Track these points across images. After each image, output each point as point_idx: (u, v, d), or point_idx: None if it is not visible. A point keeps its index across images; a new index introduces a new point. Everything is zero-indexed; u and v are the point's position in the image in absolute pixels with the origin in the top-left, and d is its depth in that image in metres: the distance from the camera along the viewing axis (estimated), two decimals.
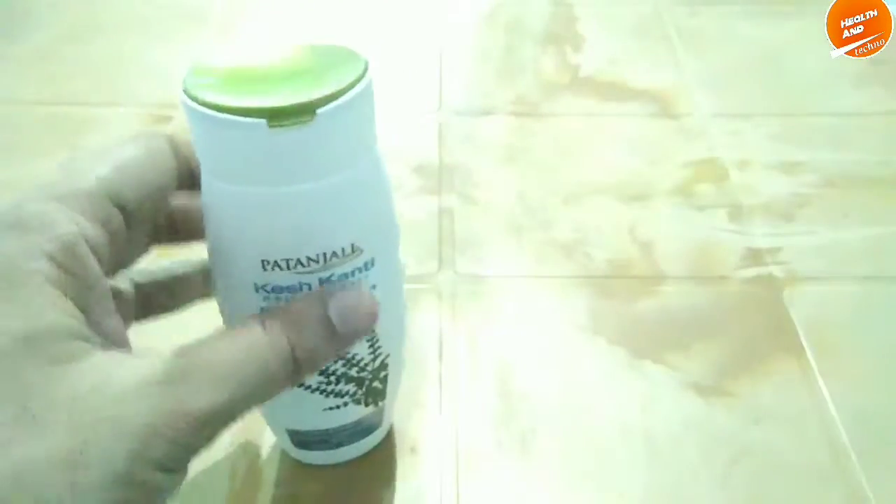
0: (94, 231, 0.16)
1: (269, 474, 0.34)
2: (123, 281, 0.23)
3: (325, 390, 0.26)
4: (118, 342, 0.17)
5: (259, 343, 0.17)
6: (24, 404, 0.14)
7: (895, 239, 0.46)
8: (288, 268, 0.20)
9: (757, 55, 0.59)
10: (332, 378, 0.26)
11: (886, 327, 0.41)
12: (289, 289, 0.21)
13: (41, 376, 0.14)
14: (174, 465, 0.15)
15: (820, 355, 0.39)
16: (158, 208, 0.20)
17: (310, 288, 0.21)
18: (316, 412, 0.28)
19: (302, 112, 0.17)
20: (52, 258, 0.15)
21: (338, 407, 0.28)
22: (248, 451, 0.34)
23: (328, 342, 0.19)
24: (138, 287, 0.23)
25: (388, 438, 0.35)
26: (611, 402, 0.37)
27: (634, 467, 0.34)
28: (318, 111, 0.17)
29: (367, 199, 0.20)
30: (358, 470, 0.34)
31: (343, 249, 0.20)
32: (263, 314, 0.19)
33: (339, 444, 0.31)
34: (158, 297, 0.24)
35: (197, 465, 0.33)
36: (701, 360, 0.39)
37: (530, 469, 0.34)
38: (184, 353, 0.16)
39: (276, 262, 0.20)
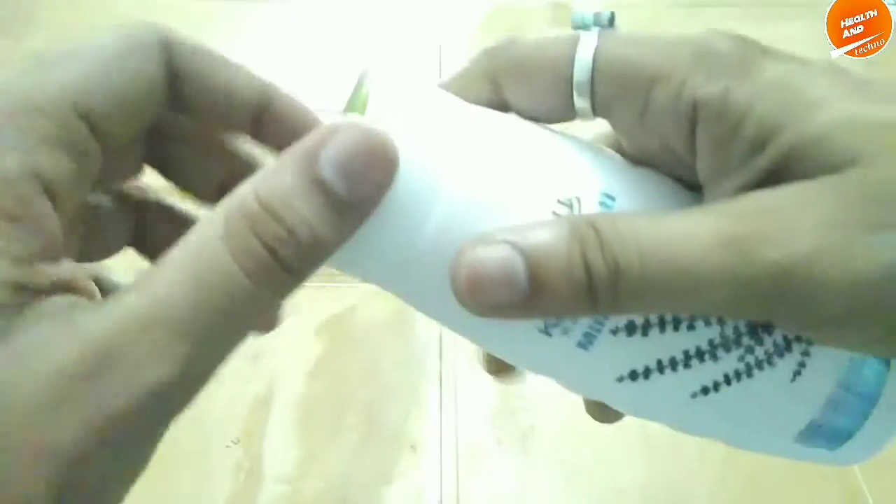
0: (49, 158, 0.12)
1: (271, 471, 0.34)
2: (103, 196, 0.17)
3: None
4: (77, 287, 0.12)
5: (216, 261, 0.11)
6: None
7: None
8: None
9: None
10: None
11: None
12: None
13: None
14: None
15: None
16: (141, 121, 0.14)
17: None
18: None
19: None
20: None
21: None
22: (251, 447, 0.35)
23: (331, 223, 0.12)
24: (133, 203, 0.17)
25: (390, 435, 0.35)
26: None
27: (633, 464, 0.35)
28: None
29: None
30: (358, 467, 0.34)
31: None
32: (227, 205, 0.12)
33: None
34: (157, 221, 0.18)
35: (199, 461, 0.34)
36: None
37: (530, 466, 0.34)
38: (120, 304, 0.11)
39: None
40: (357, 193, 0.12)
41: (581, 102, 0.14)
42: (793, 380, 0.14)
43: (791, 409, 0.15)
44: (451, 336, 0.40)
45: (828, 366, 0.14)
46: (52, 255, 0.12)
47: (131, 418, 0.11)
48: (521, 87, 0.15)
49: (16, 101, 0.12)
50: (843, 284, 0.12)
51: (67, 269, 0.12)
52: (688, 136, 0.14)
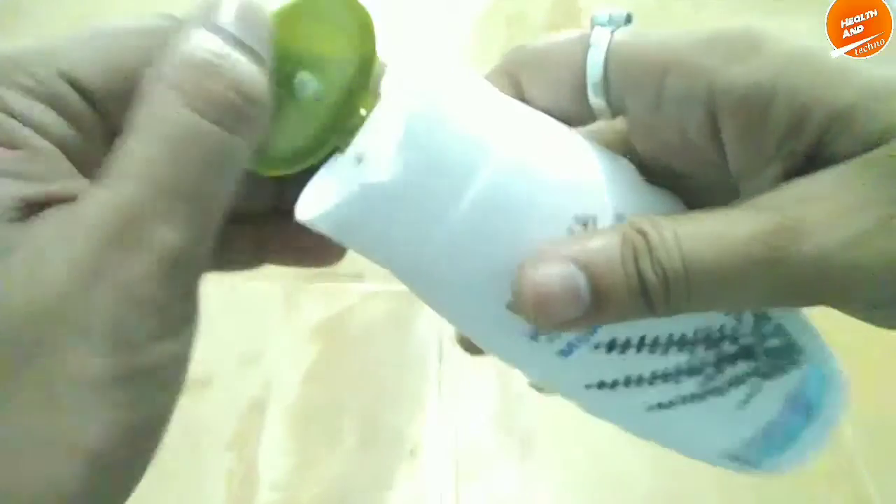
0: (42, 115, 0.12)
1: (266, 477, 0.34)
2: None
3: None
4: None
5: (182, 122, 0.12)
6: None
7: None
8: None
9: None
10: None
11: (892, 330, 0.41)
12: None
13: None
14: None
15: None
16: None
17: None
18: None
19: None
20: None
21: None
22: (244, 453, 0.34)
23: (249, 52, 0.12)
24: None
25: (389, 440, 0.35)
26: None
27: (635, 469, 0.34)
28: None
29: None
30: (357, 472, 0.34)
31: None
32: None
33: None
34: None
35: (194, 467, 0.33)
36: None
37: (530, 471, 0.34)
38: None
39: None
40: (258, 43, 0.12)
41: (596, 100, 0.14)
42: (739, 407, 0.15)
43: (728, 431, 0.16)
44: (451, 338, 0.40)
45: (771, 398, 0.16)
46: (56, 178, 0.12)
47: (158, 282, 0.11)
48: (538, 82, 0.15)
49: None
50: (881, 268, 0.12)
51: (72, 185, 0.12)
52: (707, 127, 0.13)
